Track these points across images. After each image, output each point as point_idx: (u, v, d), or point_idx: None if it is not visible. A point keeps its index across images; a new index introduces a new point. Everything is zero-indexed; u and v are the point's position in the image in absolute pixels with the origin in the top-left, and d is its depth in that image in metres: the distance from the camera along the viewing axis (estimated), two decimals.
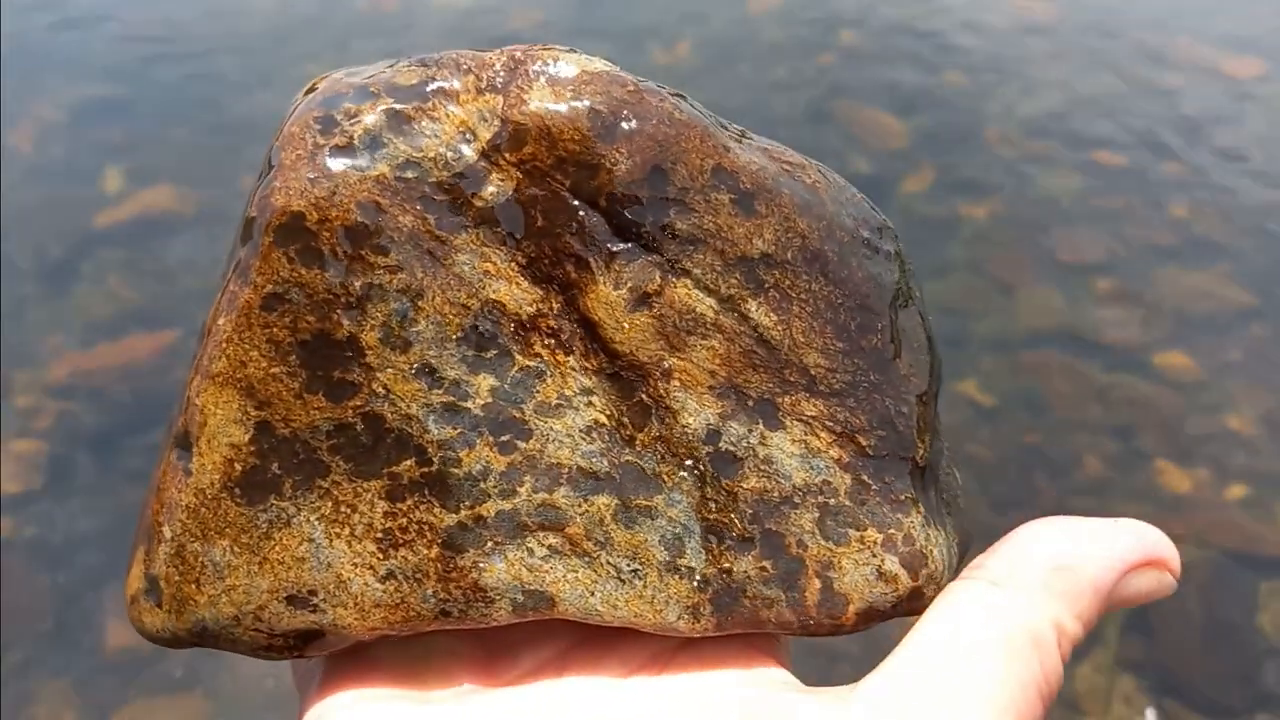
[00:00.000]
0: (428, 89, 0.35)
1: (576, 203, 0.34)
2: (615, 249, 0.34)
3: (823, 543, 0.35)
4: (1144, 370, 1.76)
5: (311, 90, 0.36)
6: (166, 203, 2.03)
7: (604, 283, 0.34)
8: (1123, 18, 2.76)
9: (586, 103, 0.34)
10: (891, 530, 0.35)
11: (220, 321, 0.34)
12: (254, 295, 0.34)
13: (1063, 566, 0.33)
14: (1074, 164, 2.21)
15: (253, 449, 0.34)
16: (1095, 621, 0.34)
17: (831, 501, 0.35)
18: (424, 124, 0.34)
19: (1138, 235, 2.04)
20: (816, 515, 0.35)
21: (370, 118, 0.34)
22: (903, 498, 0.35)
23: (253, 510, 0.34)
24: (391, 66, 0.36)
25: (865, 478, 0.35)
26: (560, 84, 0.34)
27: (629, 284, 0.35)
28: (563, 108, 0.34)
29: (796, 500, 0.35)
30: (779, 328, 0.35)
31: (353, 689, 0.35)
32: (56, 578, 1.40)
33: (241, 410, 0.34)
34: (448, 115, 0.34)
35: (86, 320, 1.77)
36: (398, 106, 0.34)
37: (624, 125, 0.34)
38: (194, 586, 0.35)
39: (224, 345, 0.34)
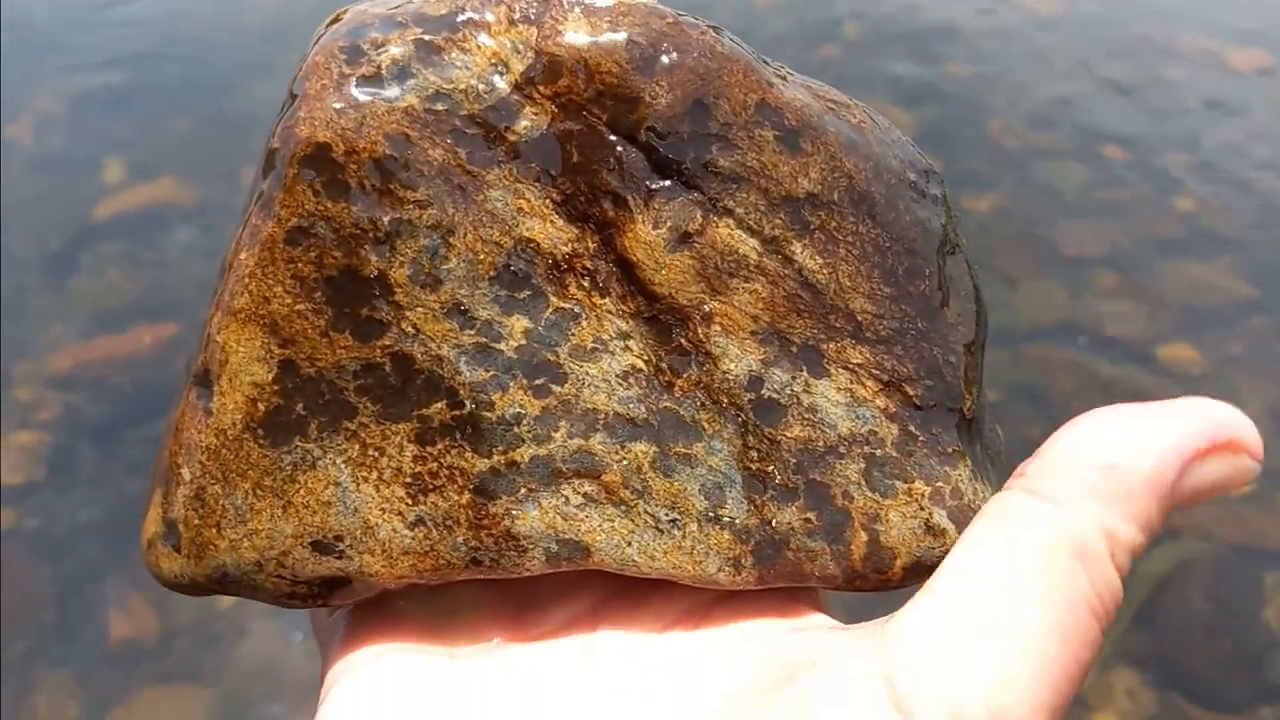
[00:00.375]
0: (458, 19, 0.33)
1: (614, 138, 0.33)
2: (654, 186, 0.33)
3: (869, 494, 0.34)
4: (1148, 363, 1.75)
5: (336, 21, 0.34)
6: (168, 194, 2.02)
7: (643, 221, 0.33)
8: (1127, 10, 2.75)
9: (624, 34, 0.33)
10: (939, 483, 0.34)
11: (242, 256, 0.33)
12: (277, 229, 0.33)
13: (1110, 464, 0.30)
14: (1078, 156, 2.20)
15: (276, 388, 0.33)
16: (1160, 522, 0.31)
17: (878, 452, 0.34)
18: (454, 55, 0.33)
19: (1142, 228, 2.03)
20: (863, 466, 0.34)
21: (398, 48, 0.33)
22: (950, 450, 0.34)
23: (276, 452, 0.33)
24: None
25: (912, 429, 0.34)
26: (596, 15, 0.33)
27: (669, 223, 0.33)
28: (600, 39, 0.33)
29: (842, 450, 0.34)
30: (824, 271, 0.34)
31: (378, 643, 0.34)
32: (58, 569, 1.40)
33: (265, 348, 0.33)
34: (479, 47, 0.33)
35: (87, 312, 1.77)
36: (427, 37, 0.33)
37: (664, 58, 0.33)
38: (214, 531, 0.34)
39: (246, 280, 0.33)
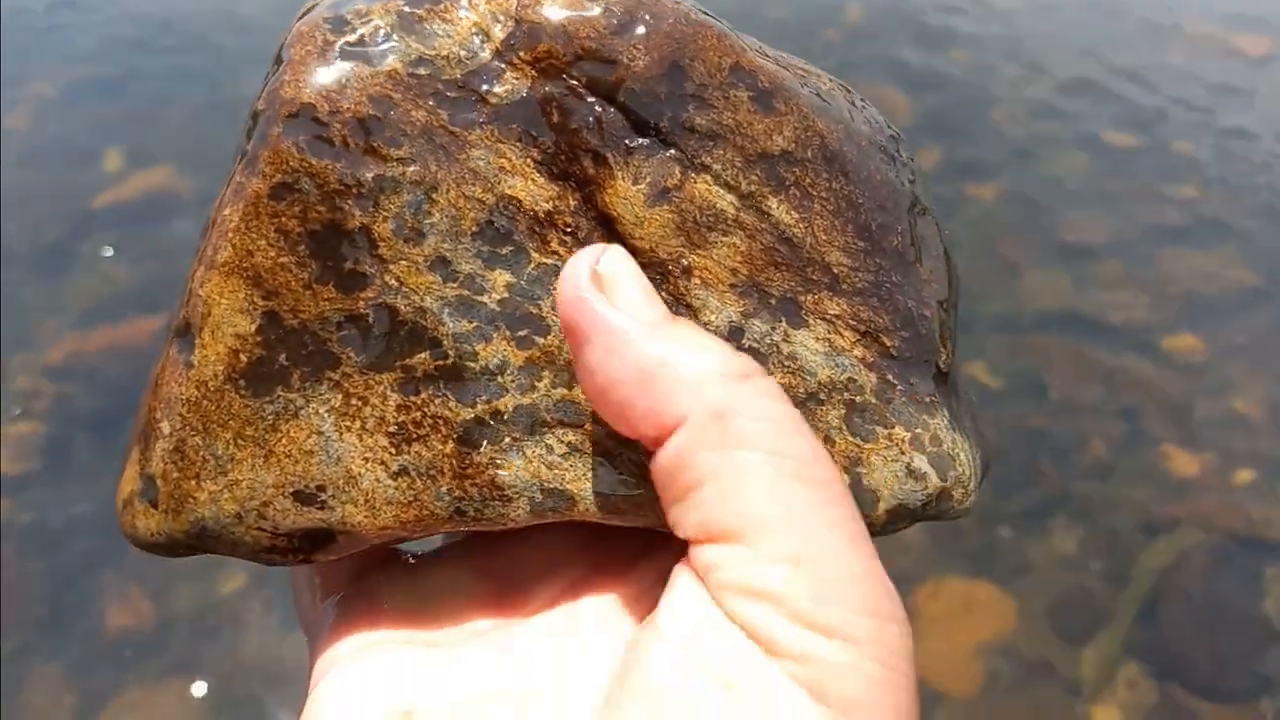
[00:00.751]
0: None
1: (593, 99, 0.33)
2: (633, 144, 0.34)
3: (850, 438, 0.34)
4: (1150, 352, 1.74)
5: None
6: (165, 183, 2.02)
7: (622, 178, 0.34)
8: None
9: (601, 3, 0.33)
10: (919, 430, 0.35)
11: (226, 212, 0.34)
12: (262, 185, 0.33)
13: None
14: (1081, 144, 2.19)
15: (259, 339, 0.33)
16: None
17: (858, 399, 0.35)
18: (436, 25, 0.34)
19: (1145, 216, 2.02)
20: (843, 412, 0.35)
21: (381, 18, 0.34)
22: (927, 400, 0.35)
23: (258, 402, 0.33)
24: None
25: (890, 378, 0.35)
26: None
27: (648, 179, 0.34)
28: (573, 7, 0.34)
29: (822, 397, 0.35)
30: (800, 225, 0.35)
31: (362, 633, 0.34)
32: (53, 561, 1.40)
33: (248, 300, 0.33)
34: (460, 17, 0.34)
35: (84, 302, 1.76)
36: (409, 8, 0.34)
37: (639, 26, 0.33)
38: (194, 482, 0.34)
39: (230, 235, 0.33)
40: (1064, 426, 1.62)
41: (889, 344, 0.35)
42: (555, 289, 0.33)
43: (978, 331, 1.76)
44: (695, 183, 0.34)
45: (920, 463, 0.34)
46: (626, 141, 0.34)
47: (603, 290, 0.30)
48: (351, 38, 0.33)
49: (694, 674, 0.27)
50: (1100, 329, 1.78)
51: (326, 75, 0.33)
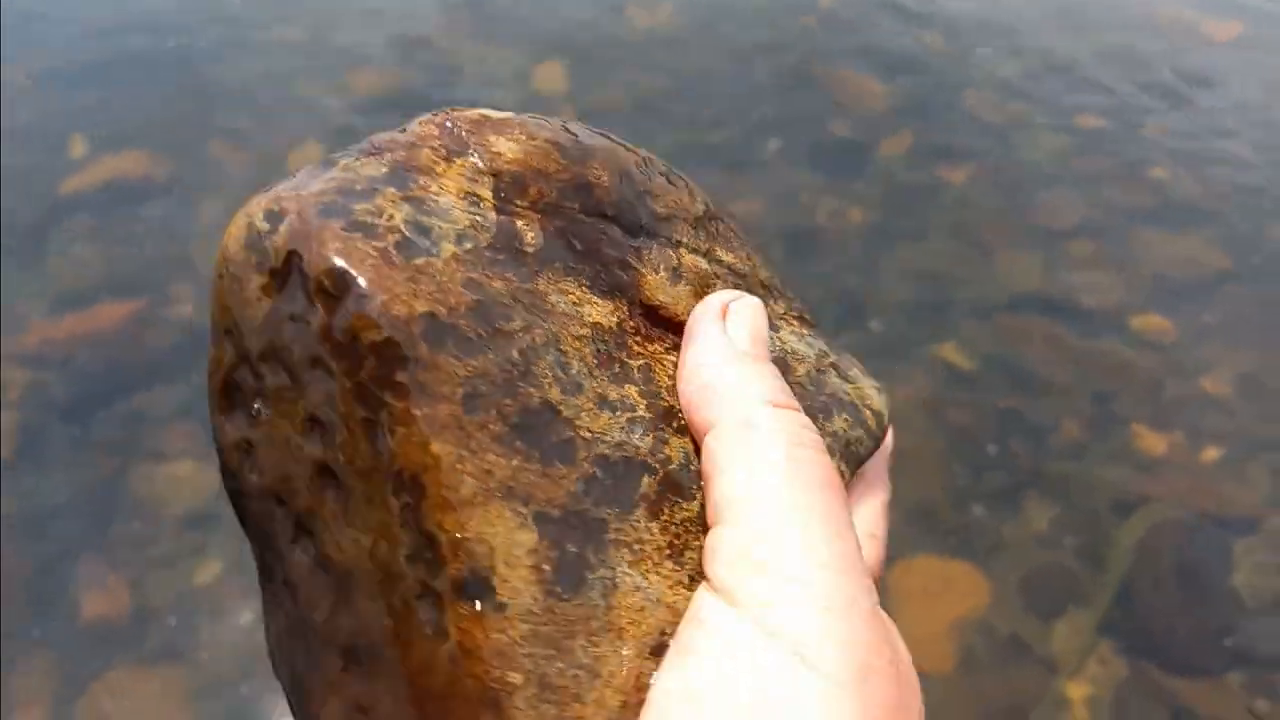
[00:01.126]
0: (405, 173, 0.35)
1: (590, 219, 0.37)
2: (636, 245, 0.39)
3: (853, 387, 0.43)
4: (1122, 334, 1.76)
5: (275, 214, 0.33)
6: (136, 168, 1.99)
7: (648, 273, 0.39)
8: None
9: (544, 135, 0.37)
10: (859, 368, 0.45)
11: (434, 449, 0.32)
12: (451, 405, 0.32)
13: None
14: (1054, 127, 2.20)
15: (548, 544, 0.33)
16: None
17: (832, 359, 0.44)
18: (435, 202, 0.34)
19: (1117, 198, 2.04)
20: (834, 374, 0.43)
21: (397, 210, 0.33)
22: (839, 351, 0.45)
23: (583, 596, 0.33)
24: (332, 168, 0.35)
25: (824, 343, 0.45)
26: (507, 129, 0.37)
27: (661, 267, 0.39)
28: (533, 146, 0.37)
29: (823, 368, 0.43)
30: (737, 261, 0.43)
31: None
32: (32, 548, 1.39)
33: (515, 515, 0.32)
34: (442, 188, 0.35)
35: (56, 289, 1.75)
36: (400, 191, 0.34)
37: (578, 148, 0.38)
38: (576, 705, 0.32)
39: (459, 467, 0.32)
40: (1037, 407, 1.64)
41: (809, 319, 0.45)
42: (677, 375, 0.38)
43: (951, 314, 1.77)
44: (684, 257, 0.40)
45: (879, 399, 0.44)
46: (631, 244, 0.38)
47: (723, 319, 0.37)
48: (396, 238, 0.32)
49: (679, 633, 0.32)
50: (1072, 311, 1.80)
51: (417, 281, 0.32)
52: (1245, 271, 1.89)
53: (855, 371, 0.44)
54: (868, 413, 0.43)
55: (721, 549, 0.32)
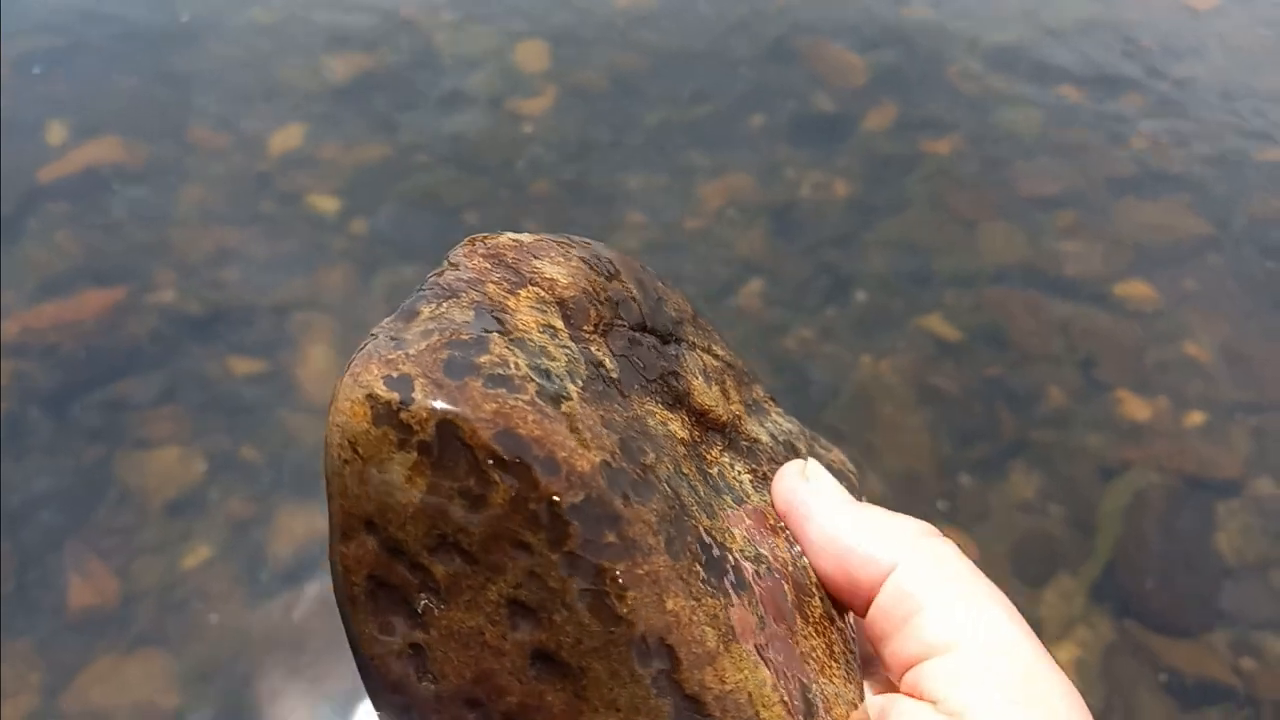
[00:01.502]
0: (490, 314, 0.32)
1: (637, 334, 0.38)
2: (674, 353, 0.39)
3: (834, 456, 0.46)
4: (1105, 302, 1.77)
5: (399, 381, 0.29)
6: (113, 155, 1.98)
7: (693, 380, 0.39)
8: None
9: (576, 254, 0.37)
10: (824, 440, 0.47)
11: (669, 605, 0.30)
12: (661, 555, 0.30)
13: None
14: (1035, 98, 2.20)
15: (774, 676, 0.33)
16: None
17: (809, 433, 0.46)
18: (532, 339, 0.32)
19: (1098, 168, 2.04)
20: (818, 446, 0.46)
21: (513, 357, 0.30)
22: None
23: (818, 717, 0.34)
24: (417, 316, 0.31)
25: (791, 418, 0.47)
26: (545, 253, 0.36)
27: (696, 372, 0.40)
28: (574, 269, 0.36)
29: (810, 444, 0.45)
30: (725, 353, 0.44)
31: None
32: (15, 538, 1.38)
33: (749, 655, 0.32)
34: (524, 324, 0.32)
35: (36, 277, 1.73)
36: (505, 337, 0.31)
37: (601, 262, 0.38)
38: None
39: (695, 619, 0.31)
40: (1021, 376, 1.64)
41: (773, 399, 0.47)
42: (771, 487, 0.40)
43: (935, 285, 1.78)
44: (703, 358, 0.41)
45: (849, 463, 0.47)
46: (670, 352, 0.39)
47: (808, 480, 0.39)
48: (530, 386, 0.30)
49: None
50: (1056, 280, 1.80)
51: (577, 430, 0.30)
52: (1225, 238, 1.90)
53: (825, 440, 0.47)
54: (852, 478, 0.44)
55: (949, 671, 0.33)
